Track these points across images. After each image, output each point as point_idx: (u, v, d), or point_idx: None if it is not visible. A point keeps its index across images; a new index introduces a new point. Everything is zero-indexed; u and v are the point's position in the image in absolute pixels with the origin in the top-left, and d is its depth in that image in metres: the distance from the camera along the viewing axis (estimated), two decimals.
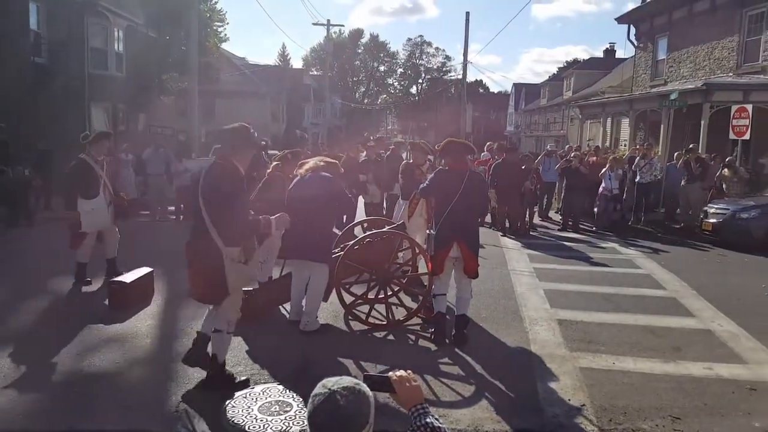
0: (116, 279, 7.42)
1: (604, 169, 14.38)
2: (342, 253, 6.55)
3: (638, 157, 15.08)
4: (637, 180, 14.85)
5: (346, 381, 1.89)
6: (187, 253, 4.73)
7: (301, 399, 4.66)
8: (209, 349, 4.94)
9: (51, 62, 19.66)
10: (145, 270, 7.71)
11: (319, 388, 1.87)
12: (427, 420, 2.07)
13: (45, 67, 19.29)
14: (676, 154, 15.66)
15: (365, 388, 1.91)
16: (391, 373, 2.16)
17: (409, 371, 2.19)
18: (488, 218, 14.19)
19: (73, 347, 5.87)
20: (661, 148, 17.79)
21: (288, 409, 4.59)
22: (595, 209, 14.84)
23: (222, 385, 4.84)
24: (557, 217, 16.09)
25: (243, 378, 5.03)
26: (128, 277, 7.39)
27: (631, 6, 24.79)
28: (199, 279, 4.72)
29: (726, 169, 14.37)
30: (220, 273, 4.59)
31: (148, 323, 6.65)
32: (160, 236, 12.77)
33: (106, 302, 7.16)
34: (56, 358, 5.56)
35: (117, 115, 24.06)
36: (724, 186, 14.30)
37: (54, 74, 19.15)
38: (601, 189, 14.37)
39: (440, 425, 2.07)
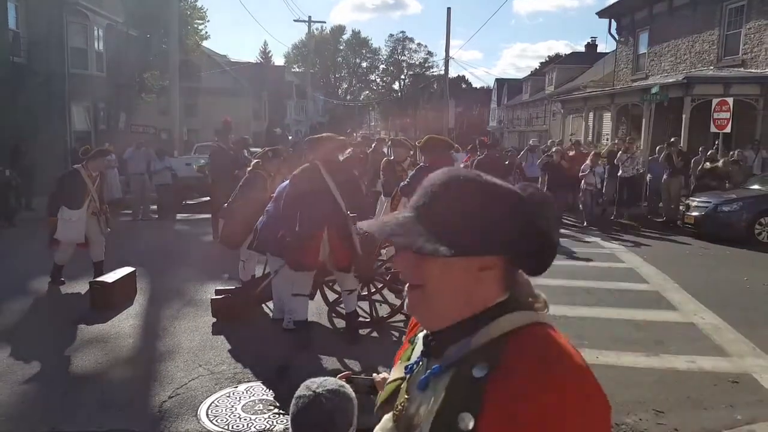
0: (98, 279, 7.36)
1: (585, 165, 14.43)
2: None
3: (620, 152, 15.16)
4: (619, 174, 14.93)
5: (330, 382, 1.86)
6: (334, 234, 5.71)
7: (284, 397, 4.64)
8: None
9: (30, 62, 19.41)
10: (127, 270, 7.65)
11: (302, 390, 1.84)
12: None
13: (24, 66, 19.05)
14: (658, 147, 15.77)
15: (349, 389, 1.88)
16: (374, 375, 2.14)
17: None
18: None
19: (56, 348, 5.81)
20: (642, 141, 17.93)
21: (271, 407, 4.57)
22: (580, 205, 14.90)
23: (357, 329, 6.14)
24: None
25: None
26: (110, 277, 7.33)
27: (612, 0, 24.88)
28: (347, 250, 5.78)
29: (708, 163, 14.49)
30: (354, 241, 5.81)
31: (131, 323, 6.60)
32: (142, 236, 12.68)
33: (89, 302, 7.09)
34: (38, 358, 5.51)
35: (98, 114, 23.84)
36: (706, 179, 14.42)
37: (33, 74, 18.91)
38: (583, 185, 14.43)
39: None
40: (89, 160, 8.12)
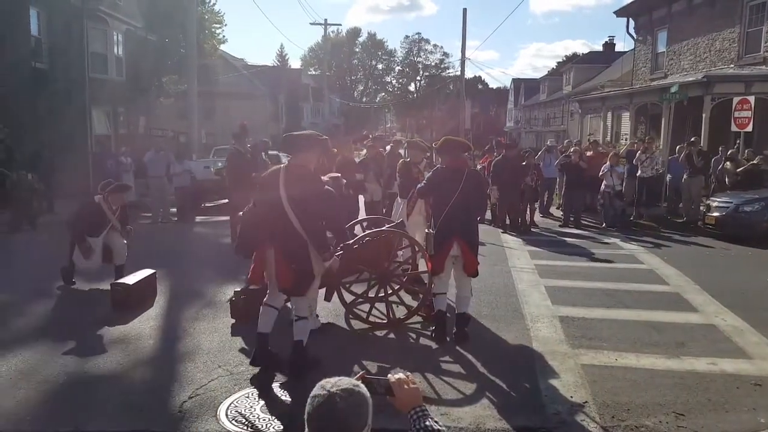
0: (119, 281, 7.44)
1: (604, 166, 14.28)
2: (341, 252, 6.53)
3: (639, 152, 15.03)
4: (638, 174, 14.80)
5: (344, 382, 1.87)
6: (276, 251, 5.04)
7: (302, 398, 4.65)
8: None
9: (51, 67, 19.69)
10: (147, 272, 7.73)
11: (317, 390, 1.86)
12: (426, 423, 2.05)
13: (46, 71, 19.33)
14: (678, 147, 15.61)
15: (363, 389, 1.90)
16: (389, 376, 2.14)
17: (408, 374, 2.17)
18: (488, 215, 14.17)
19: (77, 349, 5.89)
20: (662, 141, 17.76)
21: (290, 408, 4.59)
22: (599, 207, 14.75)
23: (308, 366, 5.10)
24: (558, 213, 16.05)
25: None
26: (131, 279, 7.41)
27: None
28: (290, 272, 5.04)
29: (728, 162, 14.31)
30: (309, 263, 5.06)
31: (152, 324, 6.67)
32: (162, 238, 12.80)
33: (110, 304, 7.18)
34: (61, 360, 5.59)
35: (117, 118, 24.14)
36: (726, 179, 14.25)
37: (55, 79, 19.18)
38: (603, 186, 14.22)
39: (439, 428, 2.05)
40: (110, 194, 8.26)
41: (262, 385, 5.00)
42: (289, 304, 6.80)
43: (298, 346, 5.19)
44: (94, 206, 8.19)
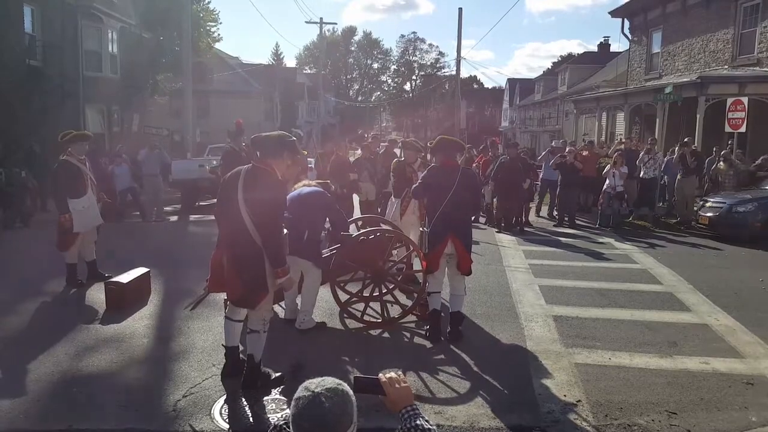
0: (113, 279, 7.40)
1: (607, 167, 14.25)
2: (336, 251, 6.54)
3: (643, 152, 15.02)
4: (641, 175, 14.79)
5: (328, 382, 1.87)
6: (227, 257, 4.73)
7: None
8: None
9: (45, 64, 19.62)
10: (141, 270, 7.70)
11: (301, 391, 1.85)
12: (417, 422, 2.05)
13: (39, 69, 19.24)
14: (673, 148, 15.66)
15: (347, 387, 1.90)
16: (380, 375, 2.14)
17: (399, 372, 2.17)
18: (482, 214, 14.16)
19: (71, 348, 5.87)
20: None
21: (284, 407, 4.60)
22: (599, 207, 14.71)
23: (260, 383, 4.88)
24: (554, 213, 16.03)
25: (278, 374, 5.04)
26: (125, 278, 7.37)
27: None
28: (239, 282, 4.70)
29: (722, 163, 14.37)
30: (262, 275, 4.65)
31: (145, 323, 6.65)
32: (156, 237, 12.77)
33: (103, 303, 7.16)
34: (54, 358, 5.57)
35: (112, 116, 24.09)
36: (720, 179, 14.31)
37: (48, 76, 19.11)
38: (605, 186, 14.13)
39: (430, 426, 2.05)
40: (71, 145, 8.06)
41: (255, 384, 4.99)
42: (281, 306, 6.82)
43: (249, 360, 4.90)
44: (63, 163, 8.00)
